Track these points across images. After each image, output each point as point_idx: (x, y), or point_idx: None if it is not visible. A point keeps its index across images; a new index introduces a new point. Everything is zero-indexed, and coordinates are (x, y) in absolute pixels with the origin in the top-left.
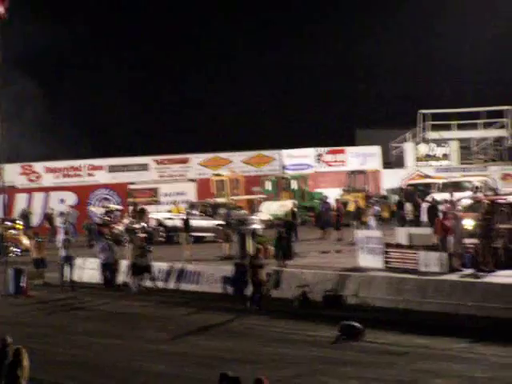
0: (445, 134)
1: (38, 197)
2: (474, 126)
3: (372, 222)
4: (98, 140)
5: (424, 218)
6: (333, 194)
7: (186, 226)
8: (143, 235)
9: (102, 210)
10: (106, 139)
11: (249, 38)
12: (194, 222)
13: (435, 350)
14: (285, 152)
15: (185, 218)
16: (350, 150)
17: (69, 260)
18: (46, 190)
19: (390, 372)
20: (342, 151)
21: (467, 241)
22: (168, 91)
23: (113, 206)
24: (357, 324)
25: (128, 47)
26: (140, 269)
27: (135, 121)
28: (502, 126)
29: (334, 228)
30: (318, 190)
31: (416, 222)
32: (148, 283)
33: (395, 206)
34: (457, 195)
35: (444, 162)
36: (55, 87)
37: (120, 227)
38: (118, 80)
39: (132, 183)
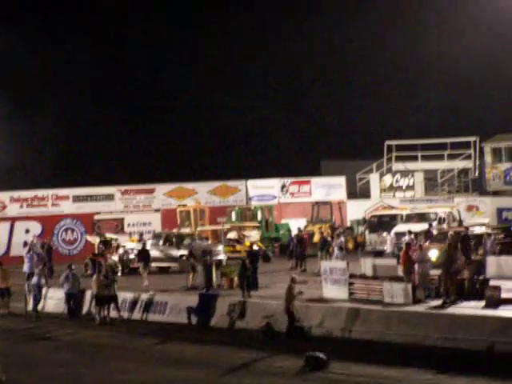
0: (410, 165)
1: (4, 226)
2: (439, 157)
3: (337, 252)
4: (62, 170)
5: (388, 249)
6: (298, 225)
7: (143, 256)
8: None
9: (97, 240)
10: (71, 169)
11: (213, 69)
12: (158, 253)
13: (401, 381)
14: (250, 182)
15: (140, 248)
16: (315, 180)
17: (40, 289)
18: (12, 219)
19: None
20: (307, 182)
21: (432, 272)
22: (134, 122)
23: (109, 236)
24: (322, 355)
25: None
26: (105, 299)
27: (100, 151)
28: (468, 157)
29: (299, 259)
30: (284, 221)
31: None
32: (113, 314)
33: (361, 237)
34: (421, 227)
35: (409, 193)
36: (18, 114)
37: (114, 257)
38: (81, 109)
39: (97, 213)
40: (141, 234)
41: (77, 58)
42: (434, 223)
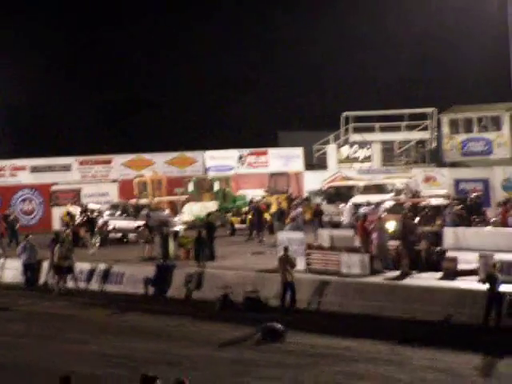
0: (367, 137)
1: None
2: (396, 129)
3: (294, 222)
4: (19, 140)
5: (346, 220)
6: (255, 196)
7: (90, 226)
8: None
9: (78, 210)
10: (29, 139)
11: (174, 37)
12: (117, 223)
13: (358, 352)
14: (207, 153)
15: (88, 217)
16: (272, 151)
17: None
18: None
19: (312, 373)
20: (264, 153)
21: (389, 243)
22: (93, 92)
23: (91, 206)
24: (278, 326)
25: (53, 44)
26: (62, 269)
27: (58, 121)
28: (425, 128)
29: (256, 230)
30: (241, 192)
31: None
32: (70, 284)
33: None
34: (378, 197)
35: (366, 164)
36: None
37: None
38: (40, 78)
39: (55, 184)
40: (84, 206)
41: (37, 27)
42: (391, 194)
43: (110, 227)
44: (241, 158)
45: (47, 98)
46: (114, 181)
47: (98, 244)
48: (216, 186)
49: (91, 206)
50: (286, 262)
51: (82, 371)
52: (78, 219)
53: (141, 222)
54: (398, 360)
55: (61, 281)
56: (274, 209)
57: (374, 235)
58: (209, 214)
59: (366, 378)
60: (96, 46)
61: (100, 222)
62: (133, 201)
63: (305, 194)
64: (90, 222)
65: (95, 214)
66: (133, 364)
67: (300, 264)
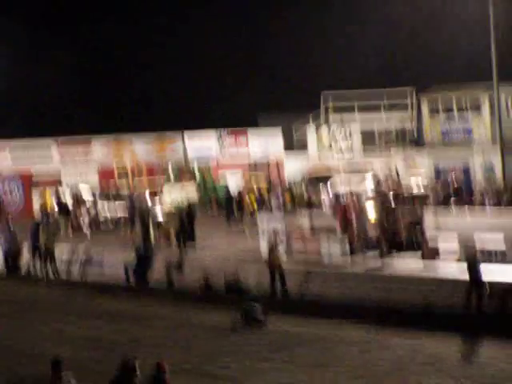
0: (347, 117)
1: None
2: (376, 108)
3: (275, 208)
4: None
5: (327, 207)
6: (235, 182)
7: (63, 211)
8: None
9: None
10: (8, 121)
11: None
12: (97, 210)
13: (338, 336)
14: (187, 134)
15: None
16: (252, 131)
17: None
18: None
19: (292, 357)
20: (243, 132)
21: (370, 227)
22: (70, 72)
23: (82, 191)
24: (259, 310)
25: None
26: (48, 254)
27: (36, 102)
28: (405, 108)
29: (237, 216)
30: (219, 175)
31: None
32: (52, 269)
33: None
34: (359, 181)
35: (346, 145)
36: None
37: (86, 216)
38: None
39: (32, 166)
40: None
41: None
42: (371, 178)
43: (102, 212)
44: (220, 137)
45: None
46: (94, 163)
47: (88, 229)
48: (197, 176)
49: (81, 190)
50: (274, 247)
51: (60, 353)
52: (71, 204)
53: (122, 210)
54: (379, 345)
55: (46, 265)
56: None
57: (353, 219)
58: (190, 205)
59: (345, 361)
60: (71, 20)
61: (88, 206)
62: (113, 185)
63: (286, 182)
64: (62, 208)
65: (86, 198)
66: (113, 347)
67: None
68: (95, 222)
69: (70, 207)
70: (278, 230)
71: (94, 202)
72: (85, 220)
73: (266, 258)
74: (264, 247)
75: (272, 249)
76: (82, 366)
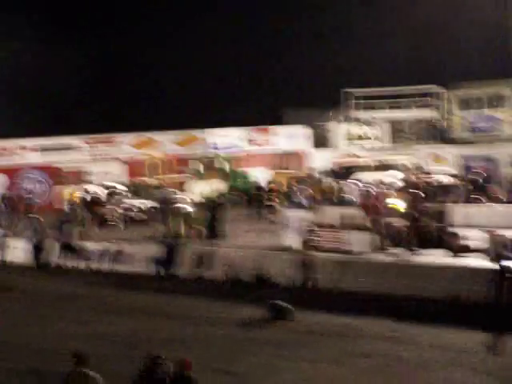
0: (376, 114)
1: None
2: (404, 106)
3: (304, 201)
4: (27, 120)
5: (354, 198)
6: (261, 175)
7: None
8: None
9: (102, 189)
10: (36, 118)
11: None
12: (126, 204)
13: (364, 330)
14: (213, 132)
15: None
16: (278, 129)
17: (1, 240)
18: None
19: (319, 352)
20: (269, 130)
21: (396, 221)
22: (97, 71)
23: (118, 186)
24: (285, 304)
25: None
26: (73, 249)
27: (64, 100)
28: (432, 106)
29: (264, 208)
30: (247, 171)
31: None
32: (81, 264)
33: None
34: (386, 175)
35: (373, 142)
36: None
37: (118, 209)
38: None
39: (61, 163)
40: (107, 186)
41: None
42: (399, 172)
43: (132, 207)
44: (247, 136)
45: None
46: (121, 160)
47: (120, 223)
48: (223, 166)
49: (112, 186)
50: (307, 240)
51: (84, 350)
52: (103, 198)
53: (151, 202)
54: (404, 338)
55: (74, 260)
56: (282, 187)
57: (381, 213)
58: (217, 193)
59: (371, 355)
60: (99, 19)
61: (120, 201)
62: (142, 180)
63: (314, 173)
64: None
65: (117, 194)
66: (139, 343)
67: (298, 242)
68: (125, 216)
69: (100, 202)
70: (307, 222)
71: (124, 196)
72: (115, 214)
73: (297, 251)
74: (292, 240)
75: (305, 242)
76: (104, 362)
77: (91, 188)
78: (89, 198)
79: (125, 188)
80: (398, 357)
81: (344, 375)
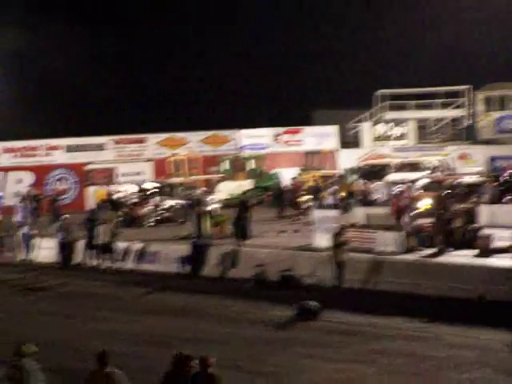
0: (402, 114)
1: None
2: (432, 106)
3: (331, 200)
4: (55, 120)
5: (381, 198)
6: (289, 174)
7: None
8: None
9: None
10: (63, 119)
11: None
12: (152, 203)
13: (390, 329)
14: (242, 132)
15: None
16: (307, 129)
17: (28, 239)
18: (4, 169)
19: (346, 351)
20: (299, 131)
21: (424, 221)
22: (125, 72)
23: (148, 185)
24: (313, 304)
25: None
26: (102, 248)
27: (93, 101)
28: (460, 106)
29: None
30: (275, 170)
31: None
32: (107, 263)
33: (354, 186)
34: (413, 175)
35: (401, 142)
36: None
37: (149, 207)
38: (72, 57)
39: (89, 163)
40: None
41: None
42: (426, 172)
43: (166, 206)
44: (275, 136)
45: (80, 78)
46: (149, 160)
47: (149, 222)
48: (251, 165)
49: (146, 185)
50: (341, 241)
51: (112, 350)
52: (135, 198)
53: (178, 201)
54: (431, 337)
55: (103, 259)
56: (310, 184)
57: (409, 213)
58: (244, 192)
59: (397, 355)
60: (128, 23)
61: (154, 201)
62: (171, 180)
63: (340, 172)
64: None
65: (149, 193)
66: (166, 342)
67: (327, 242)
68: (155, 215)
69: (129, 202)
70: (336, 222)
71: (154, 196)
72: (145, 213)
73: (329, 251)
74: (321, 240)
75: (337, 242)
76: (129, 361)
77: (120, 187)
78: (118, 197)
79: (155, 187)
80: (426, 356)
81: (372, 375)
